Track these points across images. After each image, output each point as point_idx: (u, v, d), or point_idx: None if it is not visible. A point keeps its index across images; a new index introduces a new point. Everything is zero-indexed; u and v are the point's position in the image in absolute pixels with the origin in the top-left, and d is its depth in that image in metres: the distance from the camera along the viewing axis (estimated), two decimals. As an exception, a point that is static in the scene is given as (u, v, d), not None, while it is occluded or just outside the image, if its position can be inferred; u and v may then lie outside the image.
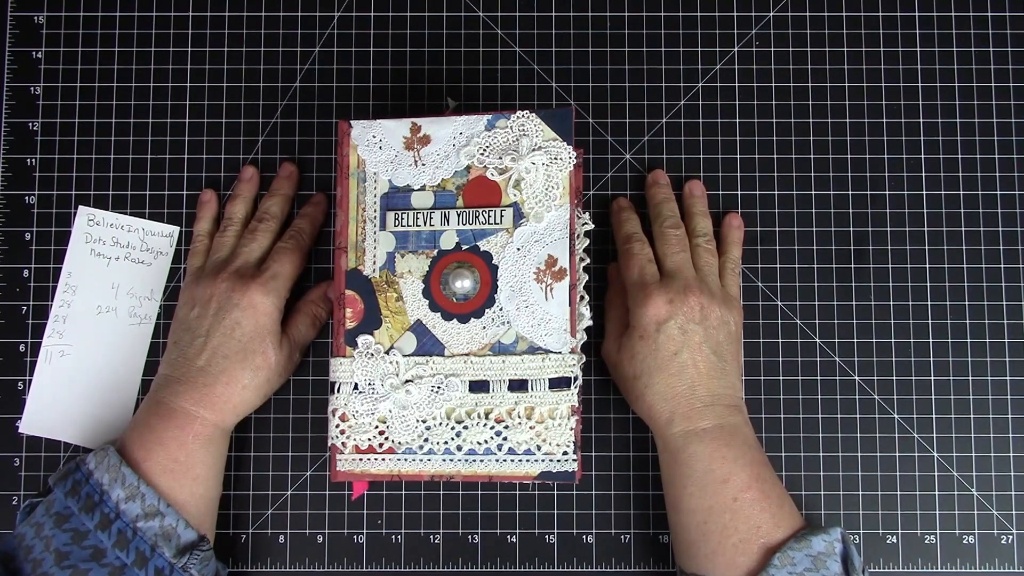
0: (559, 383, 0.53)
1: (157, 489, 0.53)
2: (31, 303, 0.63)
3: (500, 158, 0.55)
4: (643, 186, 0.63)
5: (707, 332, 0.55)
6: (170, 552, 0.52)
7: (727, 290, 0.59)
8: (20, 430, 0.62)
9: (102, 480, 0.53)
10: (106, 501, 0.52)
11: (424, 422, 0.54)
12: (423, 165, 0.55)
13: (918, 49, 0.64)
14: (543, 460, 0.53)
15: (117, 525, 0.51)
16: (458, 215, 0.55)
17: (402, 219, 0.55)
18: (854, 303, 0.63)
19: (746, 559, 0.51)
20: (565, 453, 0.53)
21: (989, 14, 0.65)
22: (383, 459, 0.54)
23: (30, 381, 0.63)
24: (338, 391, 0.54)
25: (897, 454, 0.62)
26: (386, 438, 0.54)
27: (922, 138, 0.64)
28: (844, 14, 0.65)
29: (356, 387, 0.54)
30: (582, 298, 0.56)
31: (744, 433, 0.54)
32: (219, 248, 0.60)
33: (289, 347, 0.58)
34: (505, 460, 0.54)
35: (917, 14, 0.65)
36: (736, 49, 0.65)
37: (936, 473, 0.61)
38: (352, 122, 0.56)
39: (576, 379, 0.53)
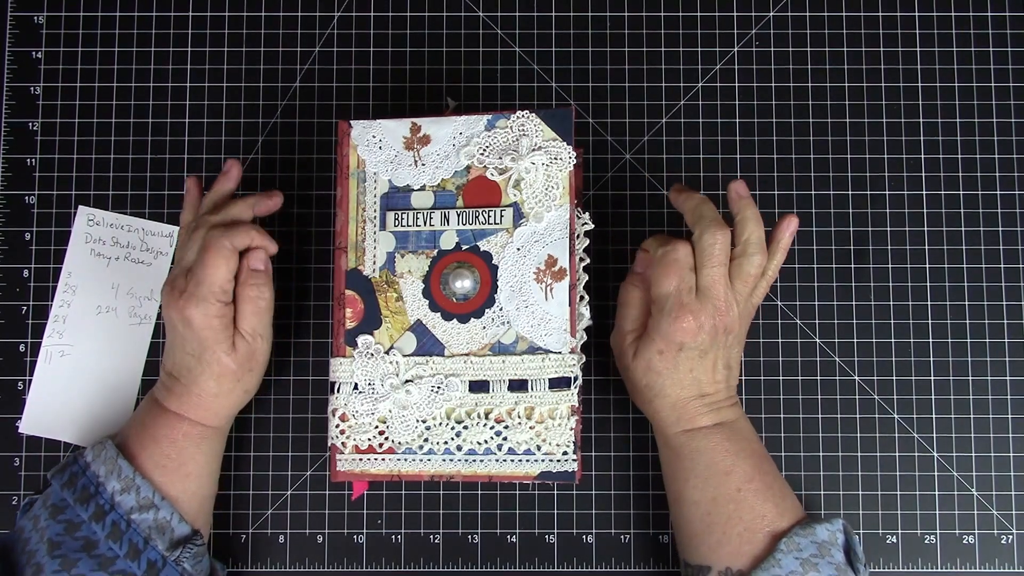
0: (559, 383, 0.53)
1: (151, 483, 0.53)
2: (31, 303, 0.63)
3: (500, 158, 0.55)
4: (644, 186, 0.63)
5: (723, 351, 0.54)
6: (163, 545, 0.52)
7: (752, 300, 0.54)
8: (20, 430, 0.62)
9: (98, 472, 0.53)
10: (101, 493, 0.52)
11: (424, 422, 0.54)
12: (423, 165, 0.55)
13: (918, 49, 0.64)
14: (543, 460, 0.53)
15: (111, 517, 0.52)
16: (458, 215, 0.55)
17: (402, 219, 0.55)
18: (854, 303, 0.63)
19: (752, 547, 0.52)
20: (565, 453, 0.53)
21: (989, 14, 0.65)
22: (383, 459, 0.54)
23: (30, 381, 0.63)
24: (338, 391, 0.54)
25: (897, 454, 0.62)
26: (386, 438, 0.54)
27: (922, 138, 0.64)
28: (844, 14, 0.65)
29: (356, 387, 0.54)
30: (582, 298, 0.56)
31: (744, 427, 0.55)
32: (180, 248, 0.56)
33: (246, 344, 0.55)
34: (505, 460, 0.54)
35: (917, 14, 0.65)
36: (736, 49, 0.65)
37: (936, 473, 0.61)
38: (352, 122, 0.56)
39: (576, 379, 0.53)
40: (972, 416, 0.62)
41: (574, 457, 0.53)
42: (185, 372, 0.54)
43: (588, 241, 0.58)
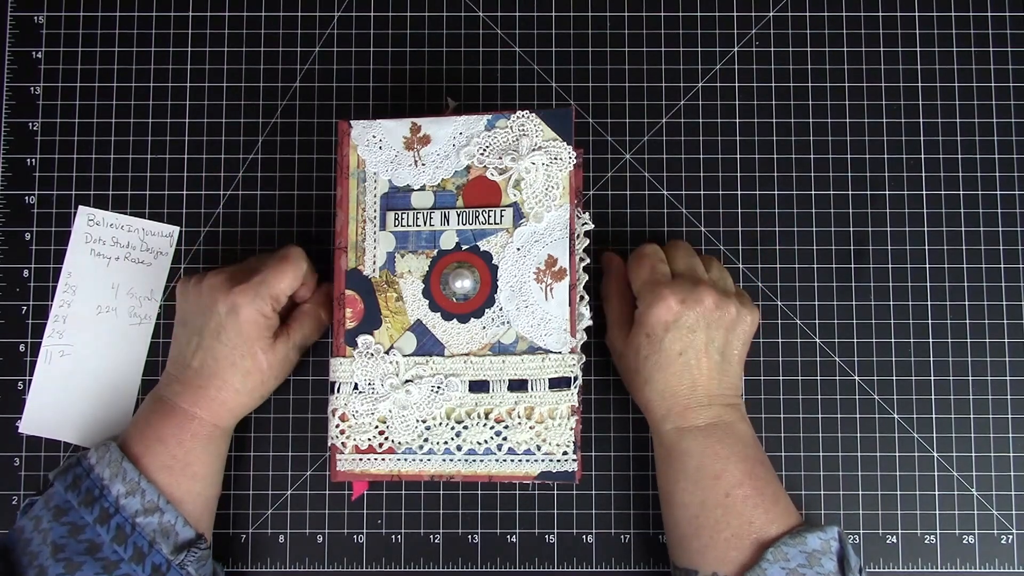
0: (559, 383, 0.53)
1: (156, 485, 0.53)
2: (31, 303, 0.63)
3: (500, 158, 0.55)
4: (644, 186, 0.63)
5: (716, 333, 0.54)
6: (168, 549, 0.52)
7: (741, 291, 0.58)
8: (20, 430, 0.62)
9: (103, 475, 0.53)
10: (106, 496, 0.52)
11: (424, 422, 0.54)
12: (423, 165, 0.55)
13: (918, 49, 0.64)
14: (543, 460, 0.53)
15: (116, 520, 0.52)
16: (458, 215, 0.55)
17: (402, 219, 0.55)
18: (854, 303, 0.63)
19: (738, 554, 0.51)
20: (565, 453, 0.53)
21: (989, 14, 0.65)
22: (383, 459, 0.54)
23: (30, 381, 0.63)
24: (338, 391, 0.54)
25: (897, 454, 0.62)
26: (386, 438, 0.54)
27: (922, 138, 0.64)
28: (844, 14, 0.65)
29: (356, 387, 0.54)
30: (582, 298, 0.56)
31: (739, 430, 0.54)
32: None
33: (286, 349, 0.57)
34: (505, 460, 0.54)
35: (917, 14, 0.65)
36: (736, 49, 0.65)
37: (936, 473, 0.61)
38: (352, 122, 0.56)
39: (576, 379, 0.53)
40: (972, 416, 0.62)
41: (574, 457, 0.53)
42: (210, 362, 0.55)
43: (588, 241, 0.58)
